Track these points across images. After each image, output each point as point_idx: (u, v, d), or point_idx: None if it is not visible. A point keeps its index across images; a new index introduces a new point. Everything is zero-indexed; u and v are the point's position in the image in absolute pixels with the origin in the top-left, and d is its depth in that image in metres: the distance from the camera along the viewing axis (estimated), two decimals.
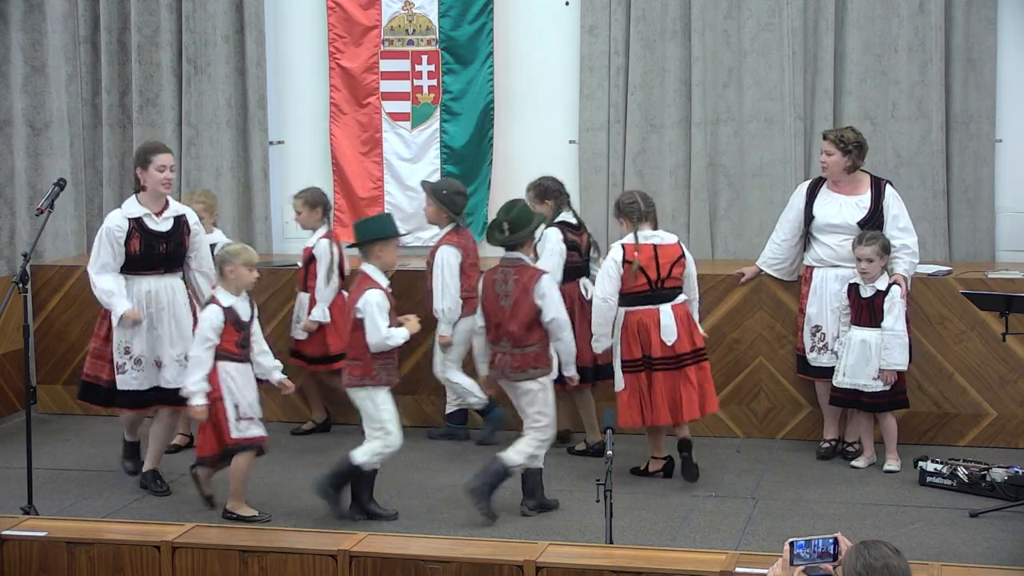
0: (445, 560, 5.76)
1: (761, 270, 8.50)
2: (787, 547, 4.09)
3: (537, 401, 7.23)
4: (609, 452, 5.97)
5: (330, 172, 9.87)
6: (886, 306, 7.75)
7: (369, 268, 7.16)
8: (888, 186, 8.12)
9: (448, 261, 8.32)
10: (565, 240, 8.16)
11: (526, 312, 7.18)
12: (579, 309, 8.10)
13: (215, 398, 7.11)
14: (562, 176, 9.08)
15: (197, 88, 9.89)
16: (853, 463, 7.99)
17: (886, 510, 7.22)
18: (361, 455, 7.14)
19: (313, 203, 8.61)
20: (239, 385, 7.17)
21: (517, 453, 7.16)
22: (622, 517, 6.90)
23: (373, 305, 7.03)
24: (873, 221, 7.97)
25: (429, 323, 8.23)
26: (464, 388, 8.47)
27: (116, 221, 7.50)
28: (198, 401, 7.07)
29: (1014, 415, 8.28)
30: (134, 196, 7.59)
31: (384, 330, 7.05)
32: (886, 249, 7.83)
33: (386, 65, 9.73)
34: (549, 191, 8.33)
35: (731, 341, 8.62)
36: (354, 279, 7.44)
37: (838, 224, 8.03)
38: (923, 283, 8.28)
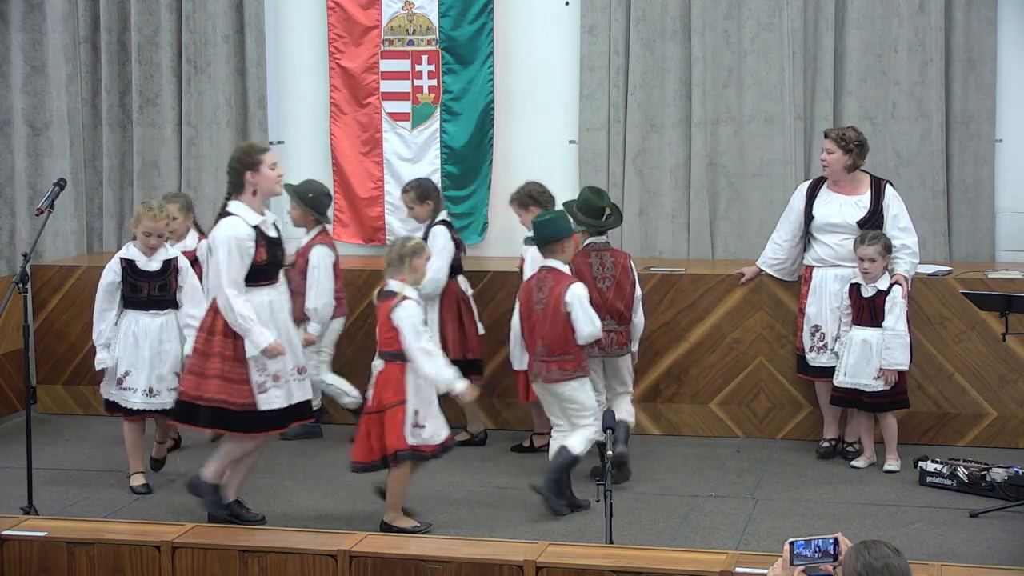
0: (445, 560, 5.77)
1: (761, 270, 8.50)
2: (787, 547, 4.09)
3: (630, 369, 7.85)
4: (609, 452, 5.98)
5: (330, 172, 9.86)
6: (887, 306, 7.75)
7: (556, 263, 7.27)
8: (888, 186, 8.13)
9: (323, 261, 8.38)
10: (451, 238, 8.46)
11: (629, 291, 7.69)
12: (462, 304, 8.45)
13: (400, 400, 6.84)
14: (562, 176, 9.12)
15: (197, 88, 9.89)
16: (853, 463, 7.99)
17: (886, 510, 7.23)
18: (579, 444, 7.19)
19: (189, 207, 8.50)
20: (424, 390, 6.90)
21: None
22: (622, 517, 6.90)
23: (583, 298, 7.18)
24: (873, 221, 7.98)
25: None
26: (338, 388, 8.59)
27: (244, 230, 6.79)
28: (462, 385, 6.90)
29: (1014, 415, 8.28)
30: (238, 202, 6.87)
31: (596, 319, 7.20)
32: (888, 249, 7.83)
33: (386, 65, 9.73)
34: (429, 191, 8.58)
35: (731, 341, 8.62)
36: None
37: (837, 224, 8.04)
38: (923, 283, 8.27)
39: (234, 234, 6.77)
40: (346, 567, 5.80)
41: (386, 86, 9.73)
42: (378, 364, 6.92)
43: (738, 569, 5.49)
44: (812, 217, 8.11)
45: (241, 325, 6.76)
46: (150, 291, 7.63)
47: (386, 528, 6.90)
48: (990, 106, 8.91)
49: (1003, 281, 8.20)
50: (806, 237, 8.23)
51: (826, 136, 8.12)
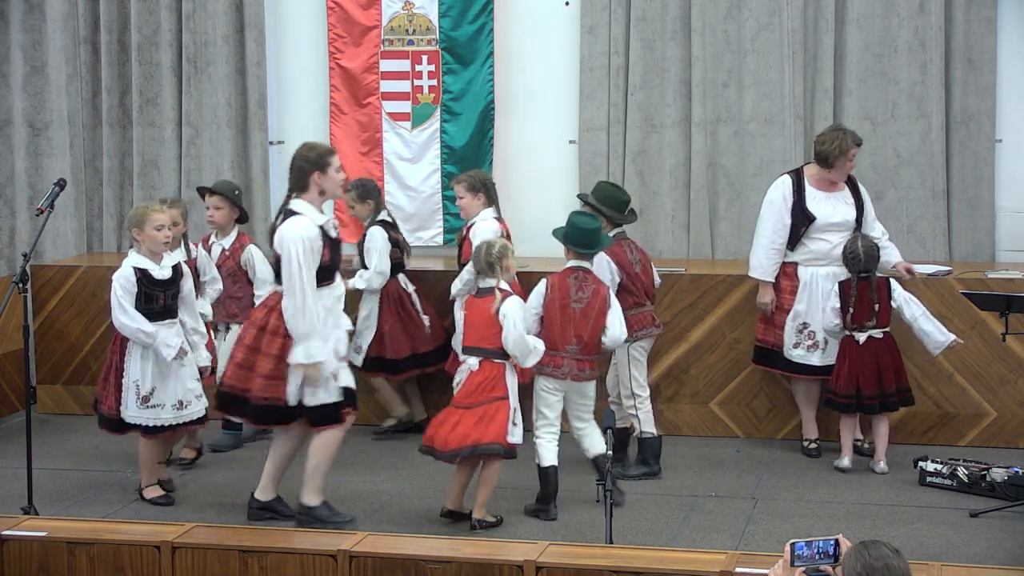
0: (445, 560, 5.77)
1: (769, 283, 8.24)
2: (788, 548, 4.09)
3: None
4: (609, 452, 5.99)
5: None
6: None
7: (588, 265, 7.33)
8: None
9: (262, 257, 8.34)
10: (389, 238, 8.57)
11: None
12: (405, 301, 8.65)
13: (502, 396, 6.95)
14: (562, 176, 9.10)
15: (197, 88, 9.89)
16: (835, 463, 7.94)
17: (886, 510, 7.23)
18: (603, 442, 7.18)
19: (187, 215, 8.13)
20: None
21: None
22: (622, 517, 6.91)
23: (617, 303, 7.43)
24: (861, 215, 8.07)
25: None
26: None
27: (311, 231, 6.78)
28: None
29: (1014, 415, 8.28)
30: (302, 201, 6.87)
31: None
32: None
33: (386, 65, 9.73)
34: (371, 191, 8.69)
35: (731, 341, 8.62)
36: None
37: (838, 222, 8.03)
38: (923, 283, 8.27)
39: (301, 235, 6.73)
40: (346, 567, 5.80)
41: (386, 86, 9.73)
42: (473, 363, 6.99)
43: (738, 569, 5.49)
44: (813, 218, 8.07)
45: (302, 330, 6.73)
46: (165, 300, 7.36)
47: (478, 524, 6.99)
48: (990, 106, 8.91)
49: (1003, 281, 8.20)
50: (795, 235, 8.14)
51: (859, 145, 8.04)
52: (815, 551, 4.08)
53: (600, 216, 7.57)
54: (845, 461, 7.91)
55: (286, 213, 6.90)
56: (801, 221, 8.06)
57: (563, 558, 5.69)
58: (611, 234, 7.58)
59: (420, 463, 8.19)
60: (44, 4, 10.04)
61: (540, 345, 6.99)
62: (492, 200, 8.43)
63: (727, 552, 5.82)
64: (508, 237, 8.29)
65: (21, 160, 10.14)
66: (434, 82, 9.68)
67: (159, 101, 9.98)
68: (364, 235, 8.60)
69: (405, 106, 9.75)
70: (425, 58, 9.66)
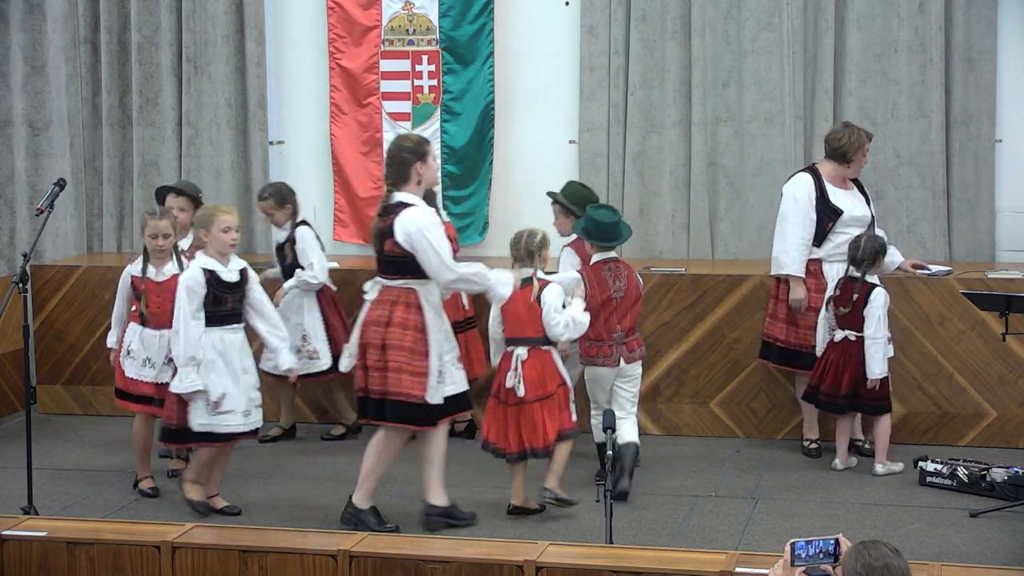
0: (445, 560, 5.76)
1: (800, 279, 8.17)
2: (788, 548, 4.09)
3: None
4: (609, 452, 6.00)
5: (330, 172, 9.87)
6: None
7: (615, 255, 7.63)
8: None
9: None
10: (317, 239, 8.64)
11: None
12: (336, 300, 8.67)
13: (561, 382, 7.17)
14: (562, 176, 9.08)
15: (197, 88, 9.89)
16: (832, 465, 7.96)
17: (886, 510, 7.23)
18: (636, 432, 7.58)
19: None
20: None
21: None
22: (622, 517, 6.91)
23: None
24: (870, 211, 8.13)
25: None
26: None
27: (435, 216, 7.02)
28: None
29: (1014, 415, 8.28)
30: (406, 193, 6.88)
31: None
32: None
33: (386, 65, 9.73)
34: (287, 196, 8.63)
35: (731, 341, 8.62)
36: None
37: (859, 216, 8.05)
38: (923, 283, 8.28)
39: (431, 220, 6.86)
40: (346, 567, 5.80)
41: (386, 86, 9.73)
42: (522, 352, 7.08)
43: (738, 569, 5.49)
44: (840, 212, 8.04)
45: (478, 281, 6.93)
46: (233, 304, 7.17)
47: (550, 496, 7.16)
48: (990, 106, 8.92)
49: (1003, 281, 8.20)
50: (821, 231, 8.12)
51: (871, 139, 8.13)
52: (815, 551, 4.08)
53: (570, 215, 7.93)
54: (836, 462, 7.94)
55: (394, 206, 6.86)
56: (828, 216, 8.03)
57: (563, 558, 5.69)
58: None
59: (418, 464, 8.19)
60: (44, 4, 10.04)
61: (583, 319, 7.16)
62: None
63: (727, 552, 5.81)
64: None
65: (21, 160, 10.14)
66: (434, 82, 9.68)
67: (159, 101, 9.98)
68: (289, 238, 8.50)
69: (405, 106, 9.75)
70: (425, 58, 9.67)
